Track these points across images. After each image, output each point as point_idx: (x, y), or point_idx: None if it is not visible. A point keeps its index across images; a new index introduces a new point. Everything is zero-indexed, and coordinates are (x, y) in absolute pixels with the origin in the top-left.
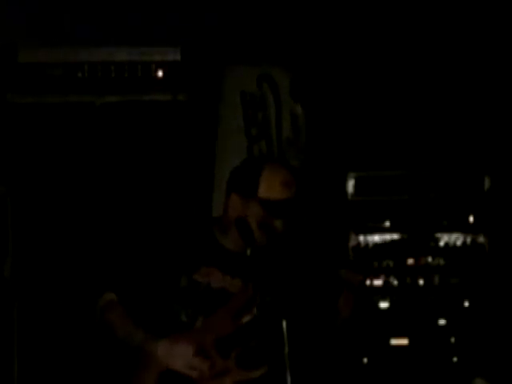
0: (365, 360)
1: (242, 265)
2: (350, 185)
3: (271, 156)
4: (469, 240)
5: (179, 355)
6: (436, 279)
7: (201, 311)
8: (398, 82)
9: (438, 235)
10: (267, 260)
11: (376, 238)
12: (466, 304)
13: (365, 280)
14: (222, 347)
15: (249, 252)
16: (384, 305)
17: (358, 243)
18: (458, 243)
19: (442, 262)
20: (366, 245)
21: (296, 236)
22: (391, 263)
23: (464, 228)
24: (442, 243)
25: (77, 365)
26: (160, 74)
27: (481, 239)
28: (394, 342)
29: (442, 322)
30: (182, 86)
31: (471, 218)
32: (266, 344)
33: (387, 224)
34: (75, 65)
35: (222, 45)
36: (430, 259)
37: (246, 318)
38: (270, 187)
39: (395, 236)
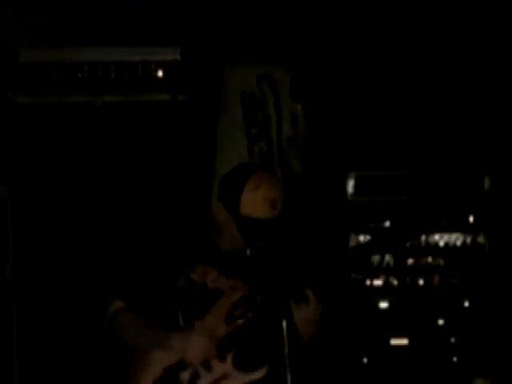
0: (365, 360)
1: (238, 265)
2: (350, 185)
3: (271, 156)
4: (469, 240)
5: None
6: (436, 279)
7: (197, 314)
8: (398, 83)
9: (438, 235)
10: (267, 260)
11: (376, 237)
12: (466, 304)
13: (365, 280)
14: (218, 349)
15: (248, 252)
16: (384, 305)
17: (358, 243)
18: (458, 243)
19: (441, 262)
20: (366, 245)
21: (296, 235)
22: (391, 263)
23: (464, 228)
24: (441, 243)
25: (76, 365)
26: (160, 73)
27: (481, 239)
28: (394, 341)
29: (441, 321)
30: (181, 86)
31: (471, 218)
32: (266, 344)
33: (387, 224)
34: (75, 65)
35: (222, 45)
36: (429, 259)
37: (237, 312)
38: (252, 204)
39: (395, 236)
